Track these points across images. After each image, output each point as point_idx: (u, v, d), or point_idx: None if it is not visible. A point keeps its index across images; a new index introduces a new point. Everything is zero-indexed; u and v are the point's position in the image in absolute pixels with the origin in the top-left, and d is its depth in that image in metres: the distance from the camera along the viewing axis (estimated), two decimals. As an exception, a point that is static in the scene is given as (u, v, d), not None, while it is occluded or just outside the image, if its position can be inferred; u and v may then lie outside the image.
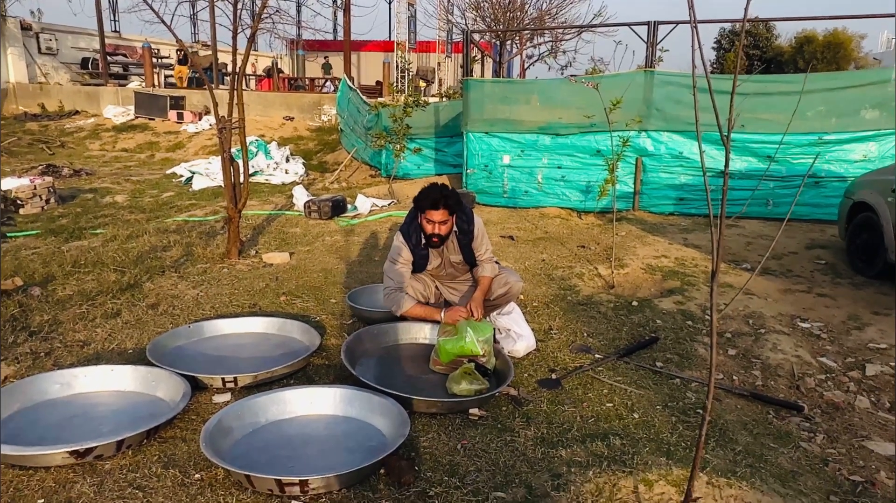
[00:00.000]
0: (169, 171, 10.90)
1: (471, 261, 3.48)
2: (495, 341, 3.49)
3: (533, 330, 3.78)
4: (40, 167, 10.43)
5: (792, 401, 3.22)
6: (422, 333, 3.61)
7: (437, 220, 3.27)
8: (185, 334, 3.62)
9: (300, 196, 7.76)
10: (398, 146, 8.69)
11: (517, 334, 3.56)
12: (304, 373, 3.30)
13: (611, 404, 3.06)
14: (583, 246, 6.01)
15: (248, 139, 11.28)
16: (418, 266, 3.48)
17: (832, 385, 3.40)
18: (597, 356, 3.63)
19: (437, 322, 3.37)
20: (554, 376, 3.35)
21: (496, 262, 3.56)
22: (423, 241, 3.38)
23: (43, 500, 2.22)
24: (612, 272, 5.01)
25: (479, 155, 7.91)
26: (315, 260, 5.50)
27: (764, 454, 2.66)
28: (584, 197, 7.59)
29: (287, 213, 7.54)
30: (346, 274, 5.09)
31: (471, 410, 2.91)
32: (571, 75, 7.38)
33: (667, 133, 7.26)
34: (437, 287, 3.64)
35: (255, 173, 10.25)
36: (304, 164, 11.19)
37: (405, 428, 2.54)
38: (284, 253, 5.58)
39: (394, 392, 2.81)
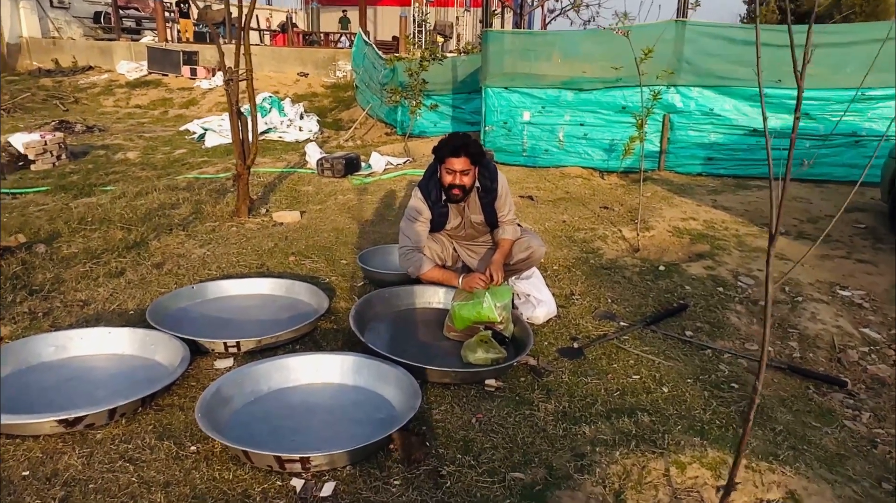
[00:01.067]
0: (182, 128, 10.68)
1: (492, 221, 3.23)
2: (514, 307, 3.26)
3: (553, 295, 3.54)
4: (53, 123, 10.26)
5: (833, 375, 2.98)
6: (436, 297, 3.40)
7: (458, 170, 3.02)
8: (188, 295, 3.44)
9: (313, 153, 7.51)
10: (414, 102, 8.36)
11: (537, 300, 3.33)
12: (310, 338, 3.12)
13: (637, 376, 2.84)
14: (606, 207, 5.73)
15: (262, 95, 11.00)
16: (437, 225, 3.25)
17: (877, 358, 3.14)
18: (622, 324, 3.40)
19: (454, 288, 3.14)
20: (576, 345, 3.14)
21: (518, 225, 3.31)
22: (443, 196, 3.13)
23: (28, 472, 2.07)
24: (638, 235, 4.74)
25: (498, 111, 7.57)
26: (326, 219, 5.28)
27: (806, 434, 2.44)
28: (606, 156, 7.25)
29: (300, 170, 7.31)
30: (359, 234, 4.87)
31: (487, 381, 2.71)
32: (610, 26, 6.95)
33: (697, 88, 6.85)
34: (454, 249, 3.41)
35: (268, 130, 10.00)
36: (318, 121, 10.89)
37: (416, 399, 2.35)
38: (295, 212, 5.36)
39: (404, 361, 2.61)
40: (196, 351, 2.88)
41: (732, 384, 2.81)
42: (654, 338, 3.25)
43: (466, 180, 3.07)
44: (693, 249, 4.68)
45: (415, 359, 2.69)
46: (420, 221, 3.15)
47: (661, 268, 4.21)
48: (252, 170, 7.27)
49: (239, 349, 2.91)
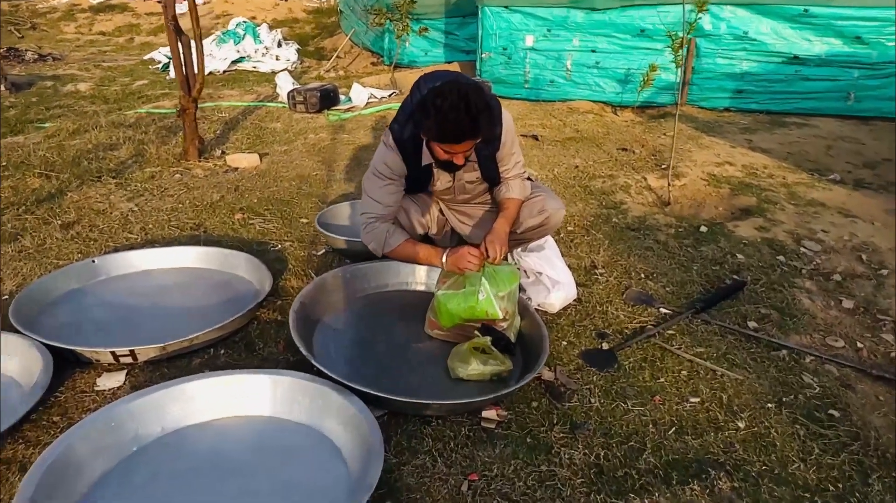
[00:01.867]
0: (146, 57, 9.44)
1: (492, 177, 2.27)
2: (520, 291, 2.36)
3: (570, 268, 2.64)
4: (0, 51, 9.02)
5: (962, 390, 2.11)
6: (415, 276, 2.49)
7: (458, 152, 2.02)
8: (82, 273, 2.52)
9: (284, 84, 6.41)
10: (401, 25, 7.18)
11: (552, 280, 2.42)
12: (243, 338, 2.23)
13: (697, 399, 1.97)
14: (624, 149, 4.74)
15: (236, 20, 9.72)
16: (416, 185, 2.28)
17: None
18: (661, 310, 2.50)
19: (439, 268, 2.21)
20: (605, 345, 2.25)
21: (528, 179, 2.34)
22: (429, 157, 2.15)
23: None
24: (669, 185, 3.78)
25: (497, 35, 6.43)
26: (291, 164, 4.29)
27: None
28: (621, 88, 6.19)
29: (269, 104, 6.23)
30: (326, 183, 3.90)
31: (484, 413, 1.83)
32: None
33: (730, 7, 5.73)
34: (441, 212, 2.46)
35: (240, 59, 8.80)
36: (297, 49, 9.65)
37: (377, 459, 1.47)
38: (254, 155, 4.36)
39: (365, 390, 1.72)
40: (76, 361, 1.99)
41: (830, 411, 1.95)
42: (707, 331, 2.37)
43: (465, 158, 2.09)
44: (736, 203, 3.73)
45: (383, 372, 1.82)
46: (391, 181, 2.19)
47: (703, 228, 3.28)
48: (213, 104, 6.22)
49: (135, 359, 2.02)
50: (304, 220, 3.29)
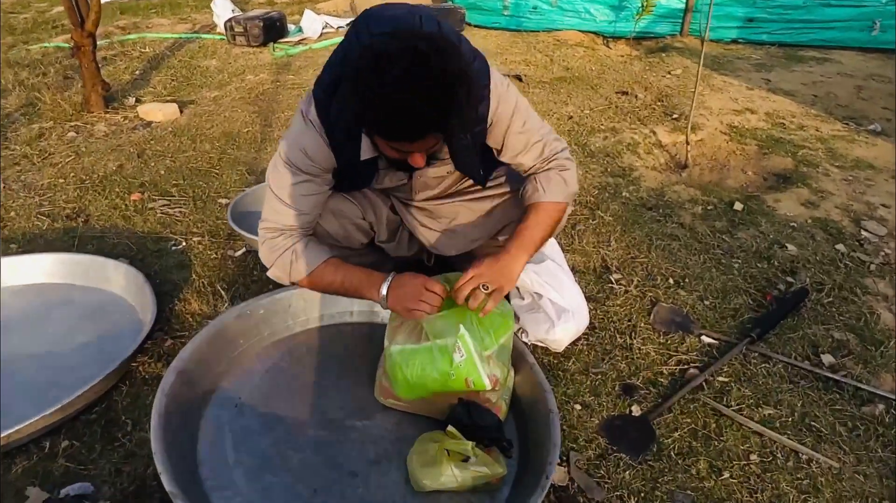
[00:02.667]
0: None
1: (478, 170, 1.47)
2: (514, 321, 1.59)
3: (576, 271, 1.91)
4: None
5: None
6: (363, 302, 1.70)
7: (417, 151, 1.19)
8: None
9: (222, 12, 5.32)
10: (360, -60, 6.01)
11: (557, 307, 1.67)
12: (104, 413, 1.47)
13: (784, 515, 1.27)
14: (624, 92, 3.89)
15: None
16: (351, 181, 1.48)
17: None
18: (703, 338, 1.78)
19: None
20: (634, 407, 1.53)
21: (553, 158, 1.44)
22: (374, 152, 1.30)
23: None
24: (688, 144, 2.99)
25: (472, -48, 5.37)
26: (219, 116, 3.38)
27: None
28: (614, 16, 5.25)
29: (204, 36, 5.17)
30: (259, 144, 3.02)
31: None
32: None
33: (745, -84, 4.76)
34: (392, 210, 1.64)
35: (178, -19, 7.50)
36: (246, -31, 8.33)
37: None
38: (172, 105, 3.43)
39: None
40: None
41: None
42: (770, 374, 1.67)
43: (424, 159, 1.22)
44: (769, 166, 2.98)
45: (314, 492, 1.06)
46: (309, 178, 1.36)
47: (737, 205, 2.52)
48: (136, 36, 5.13)
49: None
50: (224, 202, 2.45)
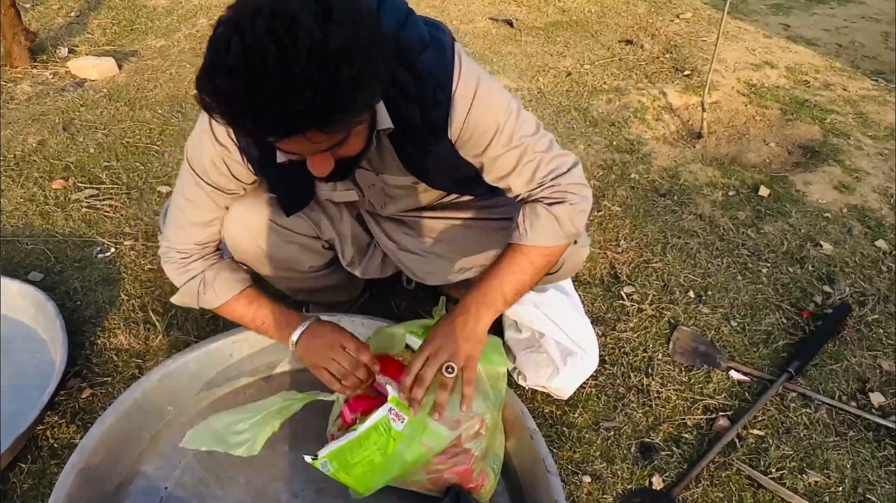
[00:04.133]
0: None
1: (456, 184, 1.14)
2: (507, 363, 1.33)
3: (579, 281, 1.62)
4: None
5: None
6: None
7: (302, 152, 0.85)
8: None
9: (172, -61, 4.68)
10: None
11: (562, 349, 1.38)
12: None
13: None
14: (628, 41, 3.47)
15: None
16: (287, 196, 1.16)
17: None
18: (732, 373, 1.51)
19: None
20: (654, 479, 1.27)
21: (558, 175, 1.08)
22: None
23: None
24: (704, 108, 2.62)
25: None
26: (165, 72, 2.93)
27: None
28: (615, -54, 4.70)
29: (153, -32, 4.56)
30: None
31: None
32: None
33: None
34: (358, 220, 1.32)
35: None
36: None
37: None
38: (109, 59, 2.96)
39: None
40: None
41: None
42: (813, 422, 1.41)
43: (327, 165, 0.89)
44: (793, 135, 2.64)
45: None
46: (218, 192, 1.08)
47: (762, 190, 2.20)
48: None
49: None
50: (164, 190, 2.08)
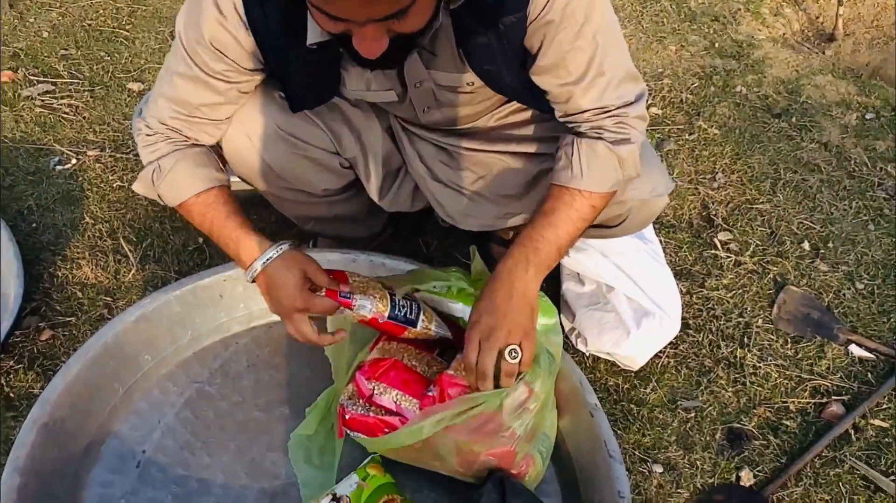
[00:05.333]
0: None
1: (521, 90, 1.14)
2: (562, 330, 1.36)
3: (660, 223, 1.62)
4: None
5: None
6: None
7: (345, 17, 0.83)
8: None
9: None
10: None
11: (636, 308, 1.40)
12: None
13: None
14: None
15: None
16: (303, 89, 1.17)
17: None
18: (852, 348, 1.52)
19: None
20: (743, 474, 1.30)
21: (623, 109, 1.08)
22: (322, 34, 0.96)
23: None
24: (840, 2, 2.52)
25: None
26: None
27: None
28: None
29: None
30: None
31: None
32: None
33: None
34: (390, 133, 1.33)
35: None
36: None
37: None
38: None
39: None
40: None
41: None
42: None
43: (406, 25, 0.87)
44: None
45: None
46: (208, 79, 1.08)
47: (912, 114, 2.14)
48: None
49: None
50: (135, 88, 2.11)
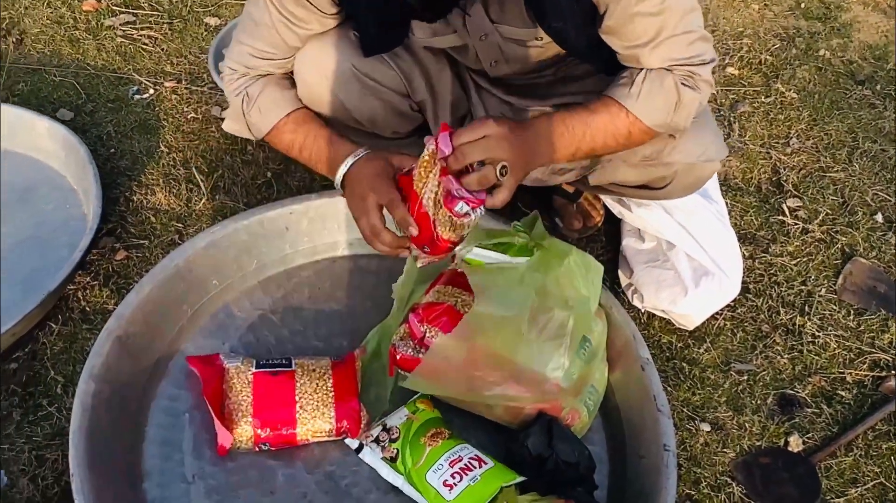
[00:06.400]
0: None
1: (590, 50, 1.13)
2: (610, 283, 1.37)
3: (726, 184, 1.61)
4: None
5: None
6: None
7: None
8: None
9: None
10: None
11: (696, 267, 1.40)
12: (24, 367, 1.37)
13: None
14: None
15: None
16: (375, 31, 1.18)
17: None
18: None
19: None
20: (792, 439, 1.31)
21: (690, 78, 1.08)
22: None
23: None
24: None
25: None
26: None
27: None
28: None
29: None
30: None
31: None
32: None
33: None
34: (458, 81, 1.35)
35: None
36: None
37: None
38: None
39: None
40: None
41: None
42: None
43: None
44: None
45: None
46: (293, 23, 1.12)
47: None
48: None
49: None
50: (214, 22, 2.15)
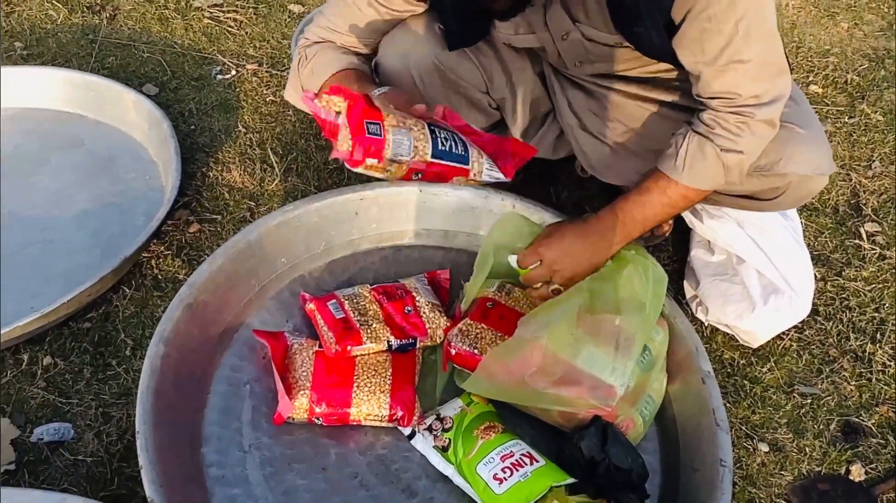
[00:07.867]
0: None
1: (665, 55, 1.11)
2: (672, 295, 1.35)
3: (808, 208, 1.56)
4: None
5: None
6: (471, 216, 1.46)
7: None
8: None
9: None
10: None
11: (765, 283, 1.37)
12: (100, 320, 1.41)
13: None
14: None
15: None
16: (458, 27, 1.21)
17: None
18: None
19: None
20: (854, 468, 1.27)
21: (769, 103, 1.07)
22: None
23: None
24: None
25: None
26: None
27: None
28: None
29: None
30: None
31: None
32: None
33: None
34: (542, 79, 1.36)
35: None
36: None
37: None
38: None
39: None
40: None
41: None
42: None
43: None
44: None
45: (344, 491, 0.96)
46: (375, 4, 1.19)
47: None
48: None
49: None
50: (297, 10, 2.20)
